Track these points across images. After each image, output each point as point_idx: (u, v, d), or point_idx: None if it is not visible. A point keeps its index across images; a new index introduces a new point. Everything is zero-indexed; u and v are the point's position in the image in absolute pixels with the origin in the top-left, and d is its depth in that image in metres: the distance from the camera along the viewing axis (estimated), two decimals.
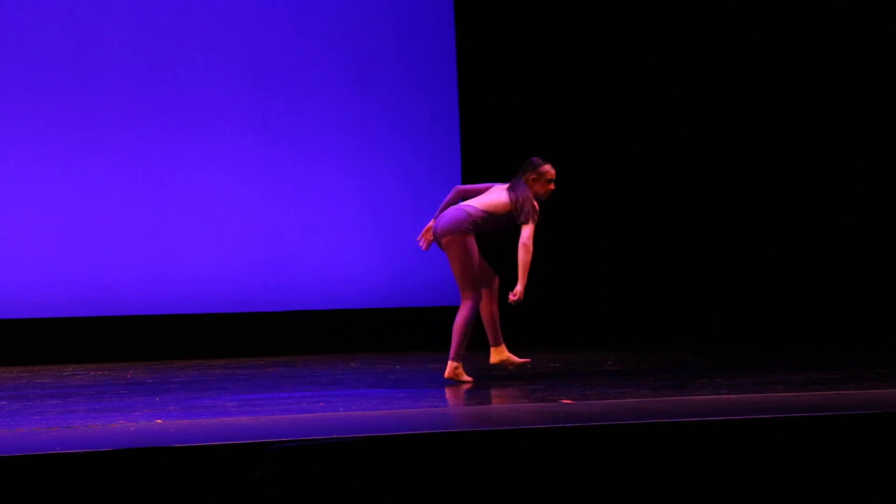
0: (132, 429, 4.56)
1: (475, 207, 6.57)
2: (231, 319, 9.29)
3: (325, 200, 9.48)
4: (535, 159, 6.73)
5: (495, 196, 6.62)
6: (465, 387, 6.38)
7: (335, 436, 4.03)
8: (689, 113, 9.95)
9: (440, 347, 9.33)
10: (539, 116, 9.88)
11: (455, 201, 6.70)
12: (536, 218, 6.53)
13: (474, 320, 6.60)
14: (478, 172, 9.77)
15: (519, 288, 6.43)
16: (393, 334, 9.49)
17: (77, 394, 6.30)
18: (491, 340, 6.77)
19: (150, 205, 9.12)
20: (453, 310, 9.57)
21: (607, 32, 9.97)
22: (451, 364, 6.57)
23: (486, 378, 6.83)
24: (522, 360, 6.84)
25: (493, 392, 6.16)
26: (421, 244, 6.78)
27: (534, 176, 6.63)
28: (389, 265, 9.52)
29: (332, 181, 9.50)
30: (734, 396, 5.44)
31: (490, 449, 4.10)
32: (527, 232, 6.48)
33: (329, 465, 3.92)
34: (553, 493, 4.08)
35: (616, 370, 7.24)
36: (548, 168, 6.68)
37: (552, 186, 6.68)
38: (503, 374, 6.95)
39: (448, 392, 6.18)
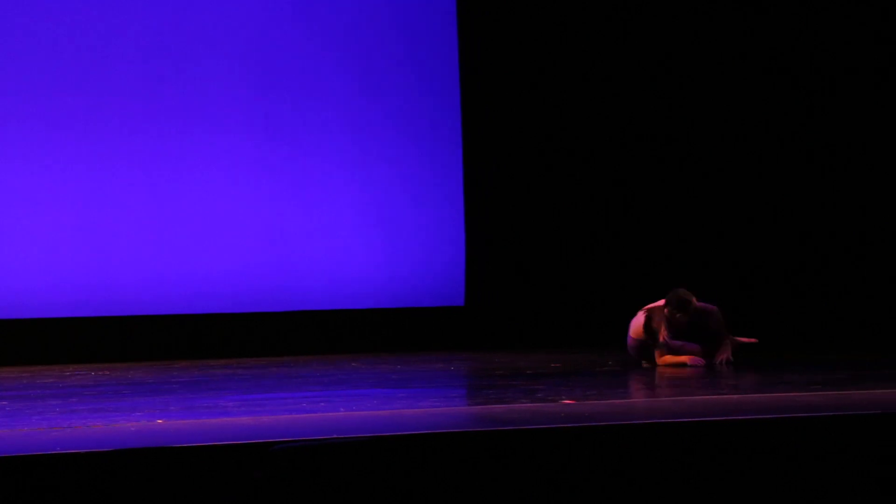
0: (133, 429, 4.55)
1: None
2: (233, 319, 9.28)
3: (328, 201, 9.47)
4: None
5: None
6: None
7: (336, 436, 4.03)
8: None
9: (441, 348, 9.35)
10: (541, 118, 9.87)
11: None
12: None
13: None
14: (479, 174, 9.78)
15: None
16: (394, 335, 9.48)
17: (78, 394, 6.30)
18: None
19: (153, 205, 9.12)
20: (454, 310, 9.66)
21: (610, 34, 9.95)
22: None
23: (488, 378, 6.82)
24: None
25: (494, 392, 6.15)
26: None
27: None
28: (390, 266, 9.51)
29: (334, 182, 9.49)
30: (735, 396, 5.44)
31: (491, 449, 4.10)
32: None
33: (330, 465, 3.92)
34: (554, 494, 4.07)
35: (617, 370, 7.24)
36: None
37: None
38: (505, 373, 6.95)
39: (449, 392, 6.17)
